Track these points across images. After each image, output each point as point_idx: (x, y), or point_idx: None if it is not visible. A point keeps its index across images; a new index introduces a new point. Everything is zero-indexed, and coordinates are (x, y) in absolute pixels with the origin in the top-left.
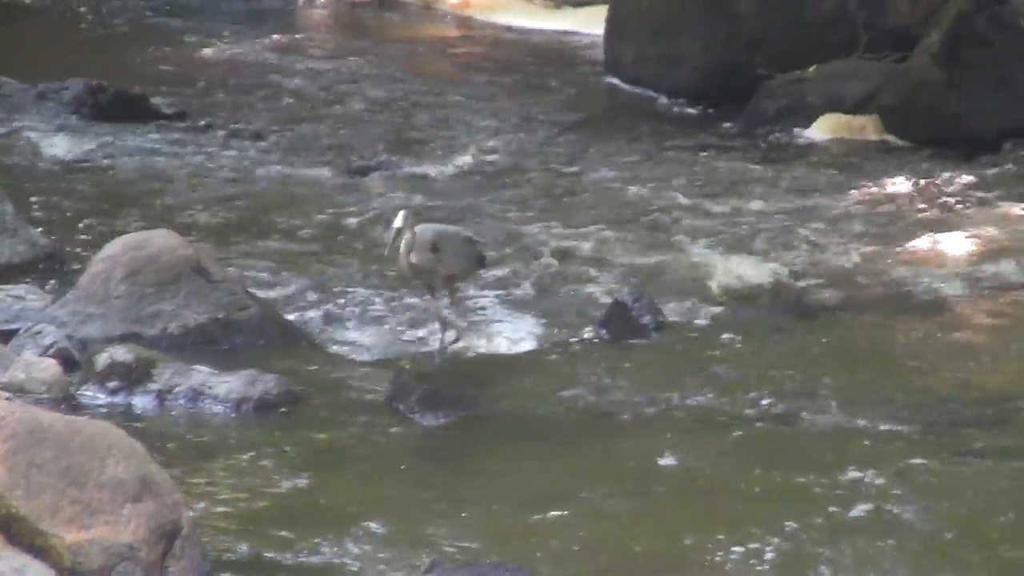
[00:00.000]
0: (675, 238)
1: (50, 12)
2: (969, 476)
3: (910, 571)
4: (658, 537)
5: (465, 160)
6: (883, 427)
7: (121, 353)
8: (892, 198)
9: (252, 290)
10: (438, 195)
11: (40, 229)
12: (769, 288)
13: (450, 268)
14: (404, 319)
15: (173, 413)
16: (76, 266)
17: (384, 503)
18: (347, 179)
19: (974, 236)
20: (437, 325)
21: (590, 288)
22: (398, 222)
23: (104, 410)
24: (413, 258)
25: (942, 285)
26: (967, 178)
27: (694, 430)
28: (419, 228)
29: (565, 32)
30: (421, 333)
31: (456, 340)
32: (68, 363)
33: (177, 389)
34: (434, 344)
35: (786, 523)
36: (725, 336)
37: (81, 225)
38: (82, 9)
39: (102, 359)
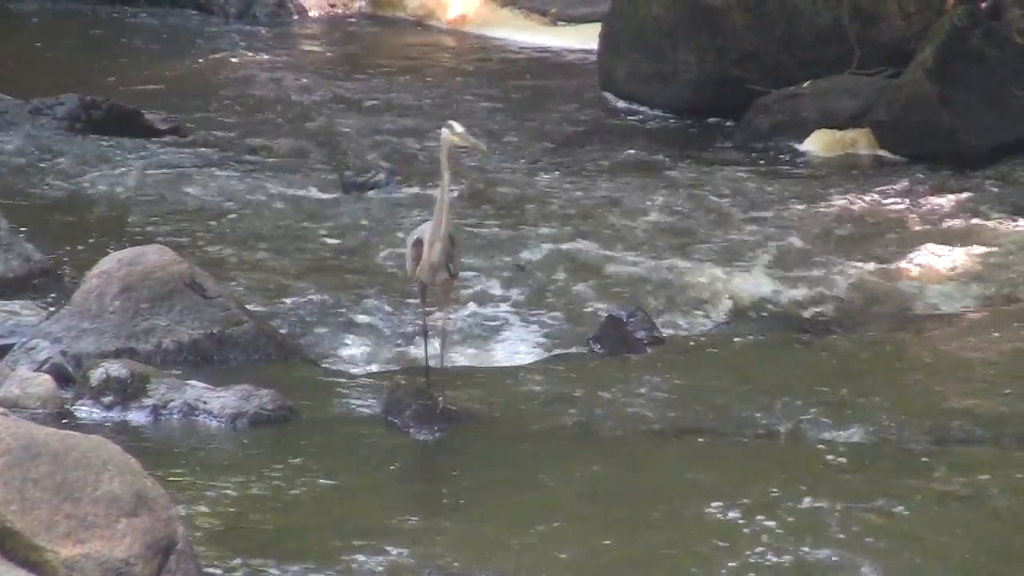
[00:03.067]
0: (670, 253)
1: (44, 27)
2: (969, 491)
3: None
4: (651, 553)
5: (460, 176)
6: (879, 442)
7: (116, 368)
8: (886, 213)
9: (247, 305)
10: (433, 211)
11: (34, 244)
12: (763, 303)
13: (458, 267)
14: (399, 333)
15: (168, 428)
16: (70, 281)
17: (379, 517)
18: (342, 194)
19: (968, 251)
20: (430, 335)
21: (585, 303)
22: (458, 127)
23: (99, 425)
24: (436, 256)
25: (936, 300)
26: (960, 193)
27: (688, 446)
28: (424, 225)
29: (560, 48)
30: (416, 347)
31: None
32: (63, 378)
33: (172, 404)
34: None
35: (780, 540)
36: (719, 351)
37: (75, 240)
38: (76, 25)
39: (97, 374)
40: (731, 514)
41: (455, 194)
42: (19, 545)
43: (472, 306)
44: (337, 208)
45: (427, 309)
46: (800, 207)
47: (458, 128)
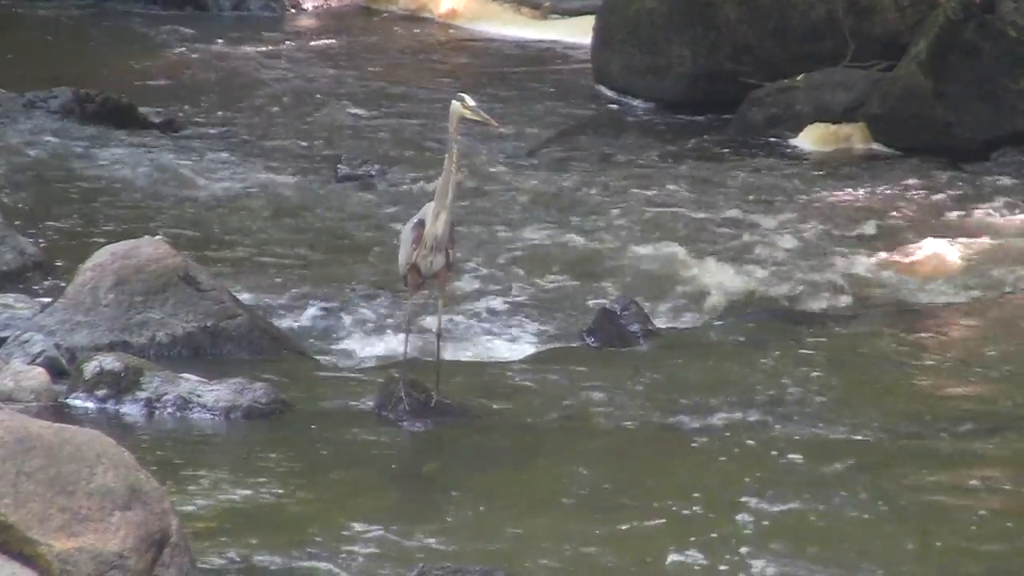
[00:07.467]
0: (664, 246)
1: (39, 21)
2: (963, 484)
3: None
4: (644, 546)
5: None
6: (874, 435)
7: (109, 361)
8: (879, 206)
9: (240, 298)
10: (425, 204)
11: (28, 238)
12: (757, 296)
13: (455, 256)
14: (393, 326)
15: (162, 421)
16: (64, 275)
17: (372, 510)
18: (334, 187)
19: (962, 244)
20: (413, 329)
21: (578, 296)
22: (470, 101)
23: (93, 419)
24: (440, 229)
25: (931, 293)
26: (954, 186)
27: (682, 439)
28: (425, 207)
29: (553, 42)
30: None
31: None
32: (56, 371)
33: (166, 397)
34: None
35: (771, 534)
36: (713, 344)
37: (69, 233)
38: (71, 19)
39: (90, 367)
40: (724, 508)
41: (462, 176)
42: (13, 538)
43: (466, 299)
44: (330, 200)
45: (412, 302)
46: (794, 201)
47: (469, 101)
